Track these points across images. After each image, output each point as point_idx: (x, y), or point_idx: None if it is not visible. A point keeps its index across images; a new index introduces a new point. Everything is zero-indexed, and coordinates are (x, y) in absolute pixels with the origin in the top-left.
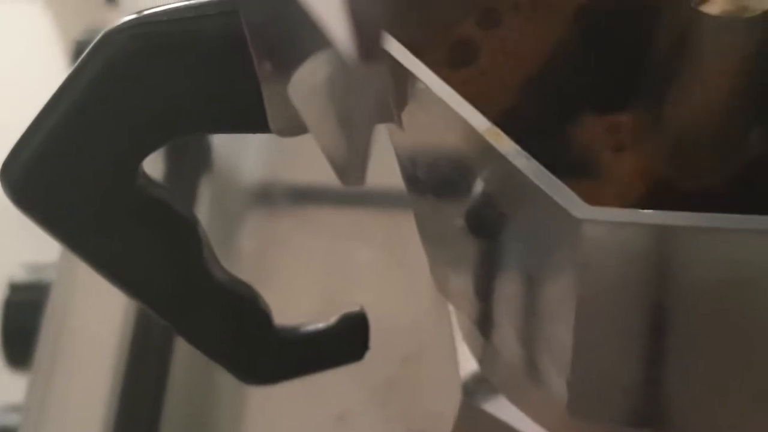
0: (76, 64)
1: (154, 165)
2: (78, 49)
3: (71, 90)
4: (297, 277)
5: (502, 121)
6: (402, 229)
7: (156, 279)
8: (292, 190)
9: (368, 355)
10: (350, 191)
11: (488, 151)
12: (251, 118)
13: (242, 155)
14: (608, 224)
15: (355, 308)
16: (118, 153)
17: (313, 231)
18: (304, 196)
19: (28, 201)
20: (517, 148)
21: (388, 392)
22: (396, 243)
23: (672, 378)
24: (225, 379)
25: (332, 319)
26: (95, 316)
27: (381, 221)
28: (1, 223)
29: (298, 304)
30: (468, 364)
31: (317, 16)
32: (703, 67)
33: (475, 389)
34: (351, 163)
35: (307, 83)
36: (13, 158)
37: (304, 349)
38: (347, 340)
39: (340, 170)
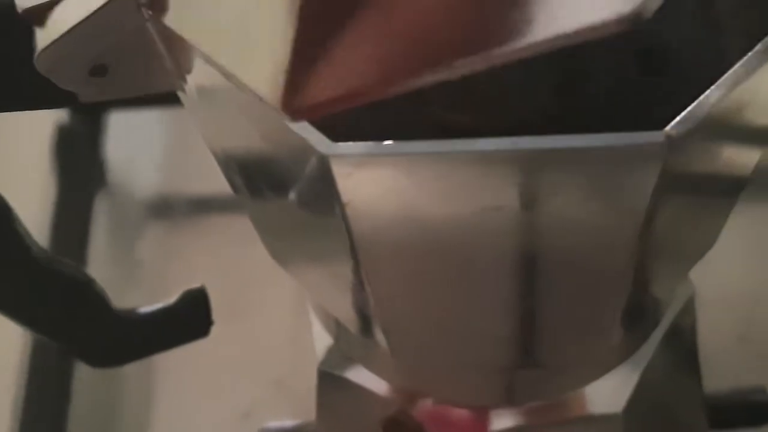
0: None
1: (46, 183)
2: None
3: None
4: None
5: None
6: None
7: None
8: (188, 200)
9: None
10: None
11: (247, 103)
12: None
13: (137, 169)
14: (354, 157)
15: (195, 285)
16: None
17: (210, 238)
18: (201, 206)
19: None
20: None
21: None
22: None
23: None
24: (129, 386)
25: (172, 298)
26: None
27: None
28: None
29: None
30: (322, 338)
31: None
32: None
33: (329, 360)
34: None
35: None
36: None
37: (147, 330)
38: (190, 317)
39: None
